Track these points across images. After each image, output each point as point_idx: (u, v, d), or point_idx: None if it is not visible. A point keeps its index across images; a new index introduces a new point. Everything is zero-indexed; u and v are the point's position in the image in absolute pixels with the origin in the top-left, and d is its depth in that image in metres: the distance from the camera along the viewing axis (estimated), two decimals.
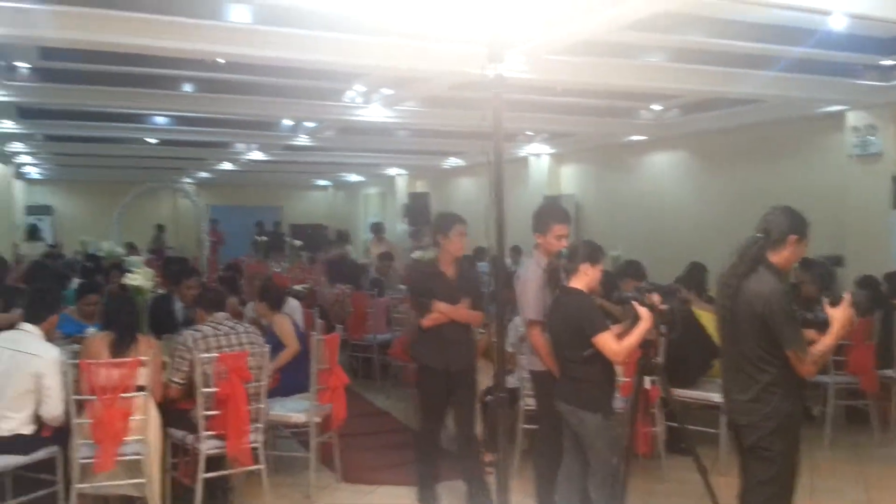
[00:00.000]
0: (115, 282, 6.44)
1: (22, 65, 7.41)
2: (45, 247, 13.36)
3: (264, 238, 16.99)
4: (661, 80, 7.22)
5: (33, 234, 15.82)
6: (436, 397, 4.57)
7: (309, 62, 6.12)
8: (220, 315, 4.60)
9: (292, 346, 5.27)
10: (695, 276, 6.04)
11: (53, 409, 4.09)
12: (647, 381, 3.89)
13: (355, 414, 5.25)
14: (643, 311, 3.74)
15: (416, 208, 15.52)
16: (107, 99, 8.42)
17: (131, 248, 11.90)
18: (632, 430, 3.96)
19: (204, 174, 17.85)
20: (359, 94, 8.51)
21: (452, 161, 14.89)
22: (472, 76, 6.48)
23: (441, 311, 4.45)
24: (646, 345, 3.85)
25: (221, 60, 6.60)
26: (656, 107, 9.53)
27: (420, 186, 17.41)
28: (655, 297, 3.80)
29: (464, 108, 8.95)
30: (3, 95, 7.77)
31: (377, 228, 13.57)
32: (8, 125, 9.95)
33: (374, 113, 8.92)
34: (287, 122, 10.82)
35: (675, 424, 4.77)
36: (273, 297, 5.63)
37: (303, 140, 11.56)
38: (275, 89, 8.25)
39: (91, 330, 4.95)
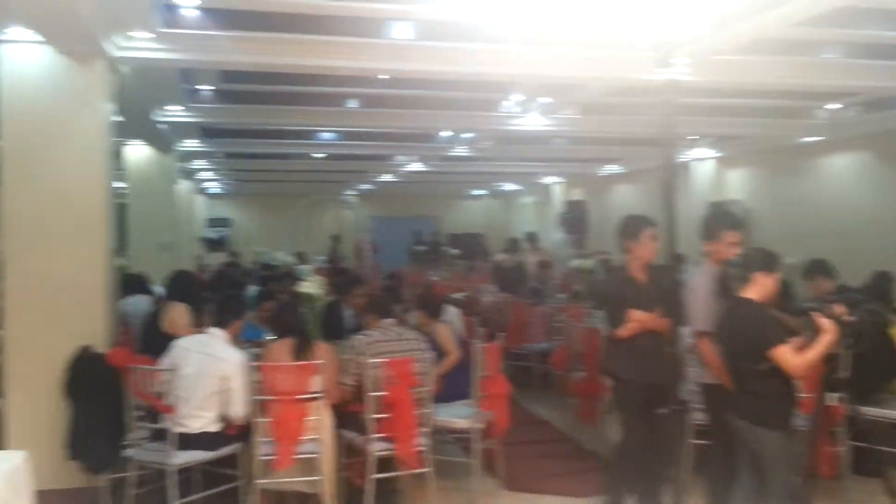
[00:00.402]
0: (288, 290, 6.81)
1: (205, 87, 8.04)
2: (225, 257, 14.32)
3: (422, 247, 17.37)
4: (839, 77, 6.77)
5: (215, 244, 16.99)
6: (637, 413, 4.27)
7: (469, 74, 6.24)
8: (388, 321, 4.78)
9: (453, 353, 5.36)
10: (880, 286, 5.62)
11: (238, 408, 4.38)
12: (831, 398, 3.65)
13: (515, 422, 5.26)
14: (825, 323, 3.51)
15: (573, 216, 15.36)
16: (280, 117, 8.99)
17: (302, 258, 12.53)
18: (813, 450, 3.72)
19: (365, 186, 18.56)
20: (517, 103, 8.55)
21: (610, 168, 14.64)
22: (635, 81, 6.37)
23: (637, 319, 4.20)
24: (829, 359, 3.61)
25: (385, 76, 6.85)
26: (833, 105, 8.92)
27: (576, 194, 17.22)
28: (840, 308, 3.57)
29: (622, 113, 8.78)
30: (189, 116, 8.45)
31: (531, 238, 13.55)
32: (192, 144, 10.80)
33: (532, 122, 8.94)
34: (445, 134, 11.06)
35: (861, 444, 4.43)
36: (432, 305, 5.76)
37: (461, 150, 11.77)
38: (434, 102, 8.45)
39: (267, 336, 5.26)
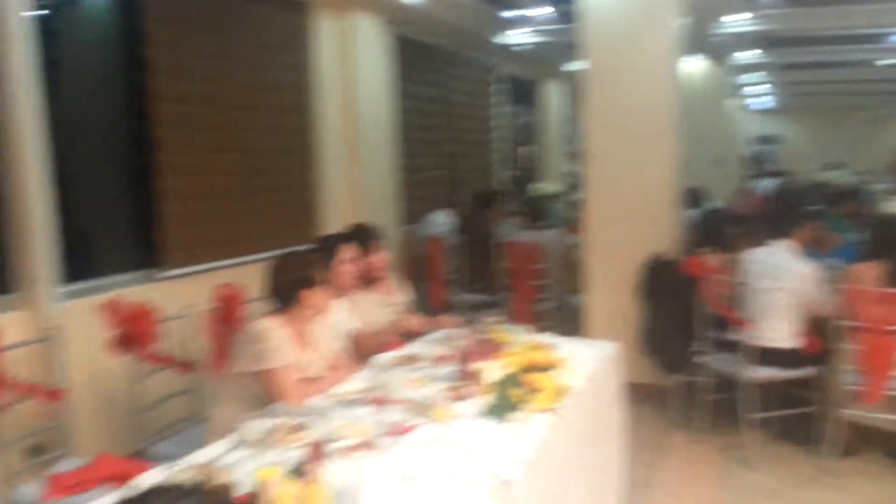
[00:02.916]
0: (850, 210, 6.13)
1: None
2: (774, 177, 13.63)
3: None
4: None
5: (761, 162, 16.24)
6: None
7: None
8: None
9: None
10: None
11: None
12: None
13: None
14: None
15: None
16: (845, 19, 7.99)
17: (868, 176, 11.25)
18: None
19: None
20: None
21: None
22: None
23: None
24: None
25: None
26: None
27: None
28: None
29: None
30: (753, 25, 8.05)
31: None
32: (749, 55, 10.34)
33: None
34: None
35: None
36: None
37: None
38: None
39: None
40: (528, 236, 6.41)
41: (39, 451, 3.30)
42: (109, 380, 3.76)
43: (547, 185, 10.09)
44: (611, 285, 5.29)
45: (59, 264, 3.76)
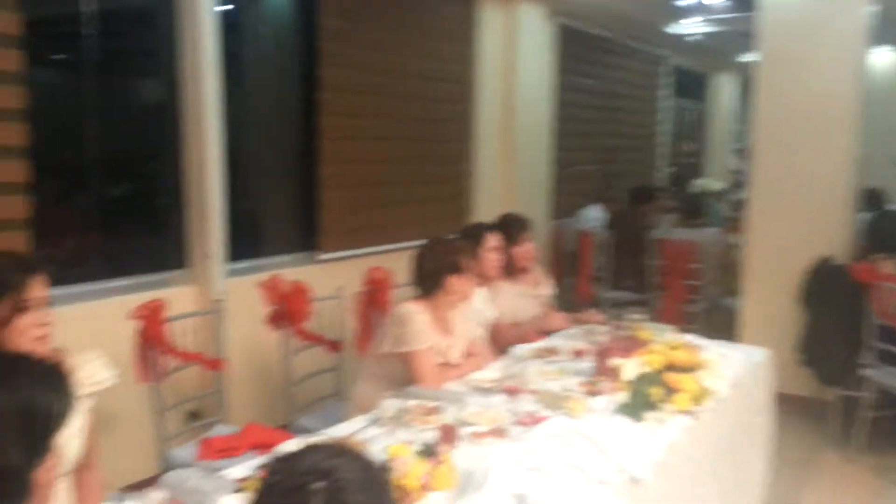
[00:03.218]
0: None
1: None
2: None
3: None
4: None
5: None
6: None
7: None
8: None
9: None
10: None
11: None
12: None
13: None
14: None
15: None
16: None
17: None
18: None
19: None
20: None
21: None
22: None
23: None
24: None
25: None
26: None
27: None
28: None
29: None
30: None
31: None
32: None
33: None
34: None
35: None
36: None
37: None
38: None
39: None
40: (685, 234, 6.19)
41: (196, 416, 3.58)
42: (264, 353, 4.00)
43: (709, 182, 9.68)
44: (770, 289, 5.01)
45: (227, 244, 4.05)
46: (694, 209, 6.78)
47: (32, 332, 1.90)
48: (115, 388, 2.22)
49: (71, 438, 2.03)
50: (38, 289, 1.93)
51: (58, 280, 2.49)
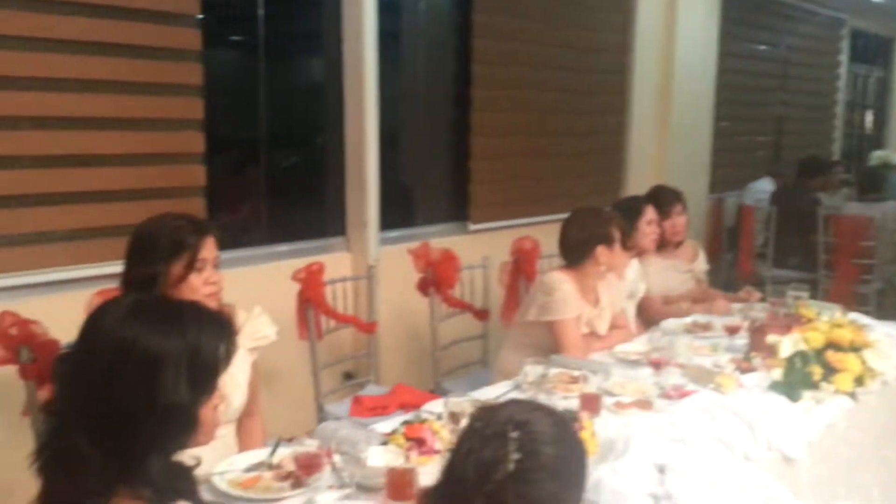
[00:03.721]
0: None
1: None
2: None
3: None
4: None
5: None
6: None
7: None
8: None
9: None
10: None
11: None
12: None
13: None
14: None
15: None
16: None
17: None
18: None
19: None
20: None
21: None
22: None
23: None
24: None
25: None
26: None
27: None
28: None
29: None
30: None
31: None
32: None
33: None
34: None
35: None
36: None
37: None
38: None
39: None
40: (859, 209, 5.76)
41: (350, 375, 3.77)
42: (413, 318, 4.13)
43: (890, 154, 8.90)
44: None
45: (382, 213, 4.21)
46: (871, 183, 6.26)
47: (203, 289, 2.08)
48: (278, 344, 2.39)
49: (236, 388, 2.21)
50: (209, 250, 2.10)
51: (228, 244, 2.70)
